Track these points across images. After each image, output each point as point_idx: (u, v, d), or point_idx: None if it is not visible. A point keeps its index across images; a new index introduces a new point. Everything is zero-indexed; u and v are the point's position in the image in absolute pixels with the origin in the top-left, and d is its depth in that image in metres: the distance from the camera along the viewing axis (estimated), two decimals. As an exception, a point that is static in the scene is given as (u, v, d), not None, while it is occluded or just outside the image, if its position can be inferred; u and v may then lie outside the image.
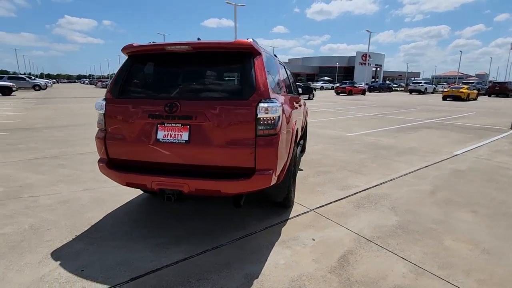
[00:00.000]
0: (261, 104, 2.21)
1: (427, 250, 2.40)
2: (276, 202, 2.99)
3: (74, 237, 2.57)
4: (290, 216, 2.98)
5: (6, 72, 59.75)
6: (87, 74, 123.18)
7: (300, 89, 4.77)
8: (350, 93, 29.01)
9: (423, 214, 3.07)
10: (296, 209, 3.16)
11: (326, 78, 61.14)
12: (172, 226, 2.77)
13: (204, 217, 2.95)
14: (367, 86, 37.25)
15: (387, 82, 67.56)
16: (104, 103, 2.48)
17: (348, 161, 5.10)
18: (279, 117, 2.31)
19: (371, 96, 28.34)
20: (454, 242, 2.54)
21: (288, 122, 2.61)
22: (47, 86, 35.56)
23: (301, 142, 4.90)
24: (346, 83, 35.42)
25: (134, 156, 2.45)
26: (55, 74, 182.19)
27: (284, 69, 3.92)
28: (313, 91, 23.23)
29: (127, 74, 2.51)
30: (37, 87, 31.67)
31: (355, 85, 32.31)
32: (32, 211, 3.07)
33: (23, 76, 23.60)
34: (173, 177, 2.28)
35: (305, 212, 3.08)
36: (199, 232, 2.66)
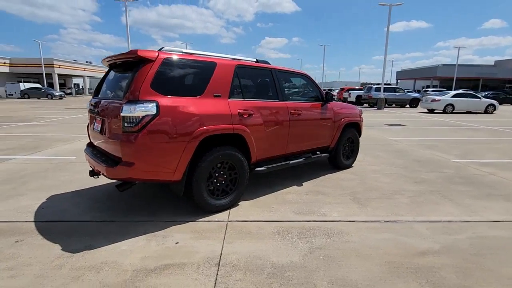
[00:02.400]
0: (126, 104, 2.50)
1: (253, 300, 1.84)
2: (197, 205, 3.03)
3: (74, 190, 3.80)
4: (200, 219, 2.95)
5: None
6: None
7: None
8: None
9: (341, 269, 2.17)
10: (218, 216, 3.05)
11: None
12: (128, 201, 3.45)
13: (158, 201, 3.46)
14: None
15: None
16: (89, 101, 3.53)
17: (376, 188, 3.94)
18: (145, 116, 2.50)
19: None
20: (308, 310, 1.75)
21: (179, 124, 2.66)
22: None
23: (313, 155, 4.31)
24: None
25: (91, 139, 3.36)
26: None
27: (271, 76, 3.68)
28: (496, 105, 17.09)
29: (102, 79, 3.45)
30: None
31: None
32: (85, 171, 4.64)
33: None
34: (92, 158, 2.98)
35: (217, 220, 2.94)
36: (133, 209, 3.20)
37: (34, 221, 2.89)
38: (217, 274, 2.10)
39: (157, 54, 2.72)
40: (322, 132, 4.33)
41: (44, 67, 38.32)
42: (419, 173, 4.69)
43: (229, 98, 3.15)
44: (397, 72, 60.75)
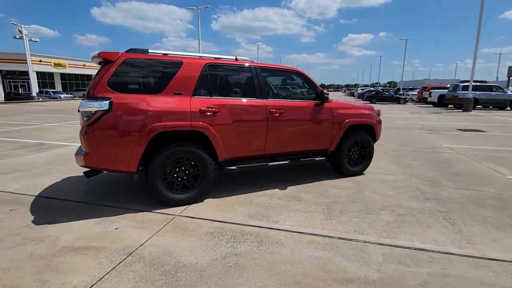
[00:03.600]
0: (83, 100, 2.81)
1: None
2: (154, 197, 3.19)
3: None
4: (155, 211, 3.09)
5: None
6: (353, 84, 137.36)
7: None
8: None
9: (237, 280, 2.00)
10: (173, 209, 3.12)
11: None
12: (115, 188, 3.89)
13: (139, 191, 3.80)
14: None
15: None
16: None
17: (366, 201, 3.42)
18: (97, 111, 2.76)
19: None
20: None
21: (131, 120, 2.85)
22: (303, 93, 44.97)
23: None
24: None
25: None
26: (328, 84, 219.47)
27: (250, 73, 3.57)
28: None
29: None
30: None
31: None
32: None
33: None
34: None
35: (167, 214, 3.03)
36: (112, 195, 3.58)
37: (36, 196, 3.52)
38: (120, 262, 2.20)
39: (119, 55, 2.97)
40: (315, 134, 3.96)
41: (142, 70, 45.08)
42: (442, 189, 3.84)
43: (193, 95, 3.20)
44: (510, 67, 49.37)
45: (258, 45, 50.44)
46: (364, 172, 4.54)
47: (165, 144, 3.09)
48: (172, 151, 3.08)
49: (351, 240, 2.54)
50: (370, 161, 4.54)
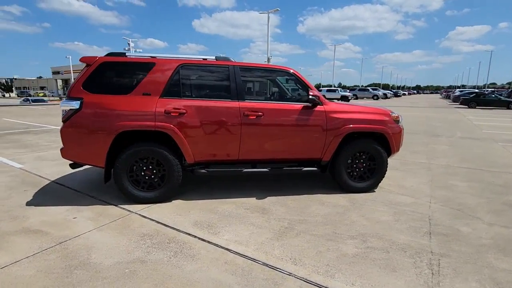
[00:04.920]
0: (62, 100, 3.14)
1: (20, 278, 1.99)
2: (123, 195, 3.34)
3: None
4: (121, 205, 3.23)
5: (376, 85, 76.16)
6: (459, 85, 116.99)
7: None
8: None
9: (111, 286, 1.90)
10: (135, 206, 3.19)
11: None
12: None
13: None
14: None
15: None
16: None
17: (341, 225, 2.81)
18: (69, 110, 3.05)
19: None
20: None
21: (97, 119, 3.04)
22: (386, 96, 40.73)
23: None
24: None
25: None
26: (424, 85, 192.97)
27: (228, 74, 3.39)
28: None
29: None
30: (375, 97, 37.94)
31: None
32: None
33: (367, 88, 33.16)
34: None
35: (126, 209, 3.12)
36: (107, 188, 3.95)
37: (52, 181, 4.14)
38: (45, 249, 2.37)
39: (96, 59, 3.23)
40: (303, 140, 3.47)
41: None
42: (466, 223, 2.87)
43: (161, 96, 3.22)
44: None
45: (335, 46, 47.89)
46: (374, 190, 3.78)
47: (134, 143, 3.20)
48: (135, 150, 3.17)
49: (275, 269, 2.12)
50: (382, 176, 3.74)
